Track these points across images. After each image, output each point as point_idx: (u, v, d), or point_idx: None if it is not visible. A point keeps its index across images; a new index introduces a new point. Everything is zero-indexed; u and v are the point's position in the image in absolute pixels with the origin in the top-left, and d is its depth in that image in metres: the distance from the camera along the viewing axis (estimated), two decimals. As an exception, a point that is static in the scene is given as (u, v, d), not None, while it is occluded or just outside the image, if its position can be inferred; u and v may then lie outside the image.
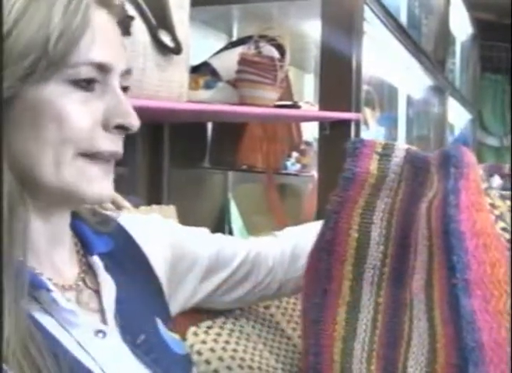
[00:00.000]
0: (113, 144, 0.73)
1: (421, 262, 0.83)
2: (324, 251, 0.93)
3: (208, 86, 1.60)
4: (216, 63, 1.67)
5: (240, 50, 1.65)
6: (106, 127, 0.72)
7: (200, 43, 1.77)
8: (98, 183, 0.72)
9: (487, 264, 0.76)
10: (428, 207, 0.82)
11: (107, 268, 0.80)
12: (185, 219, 1.04)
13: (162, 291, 0.90)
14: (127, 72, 0.76)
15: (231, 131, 2.14)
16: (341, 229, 0.91)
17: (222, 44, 2.02)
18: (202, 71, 1.64)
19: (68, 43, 0.67)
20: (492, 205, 0.84)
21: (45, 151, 0.69)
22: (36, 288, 0.70)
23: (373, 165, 0.89)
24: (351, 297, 0.93)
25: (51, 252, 0.76)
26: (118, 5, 0.75)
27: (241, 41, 1.74)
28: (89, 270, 0.80)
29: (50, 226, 0.75)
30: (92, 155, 0.71)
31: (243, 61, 1.60)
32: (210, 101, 1.56)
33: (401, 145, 0.90)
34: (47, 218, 0.74)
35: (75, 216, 0.81)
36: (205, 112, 1.55)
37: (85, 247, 0.81)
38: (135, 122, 0.73)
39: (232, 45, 1.79)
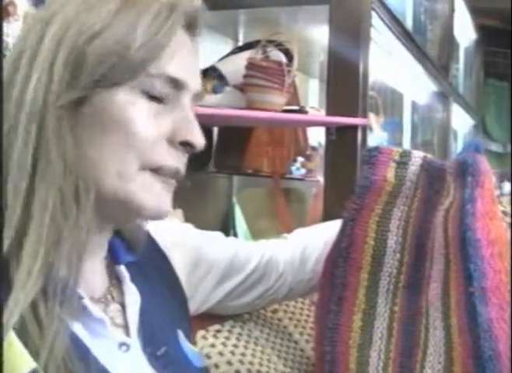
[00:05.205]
0: (177, 161, 0.72)
1: (437, 270, 0.83)
2: (341, 258, 0.93)
3: (215, 91, 1.60)
4: (224, 67, 1.67)
5: (247, 54, 1.66)
6: (171, 142, 0.71)
7: (206, 48, 1.77)
8: (159, 198, 0.71)
9: (502, 272, 0.76)
10: (444, 215, 0.82)
11: (133, 278, 0.80)
12: (190, 223, 1.04)
13: (186, 302, 0.91)
14: (198, 96, 0.76)
15: (237, 135, 2.14)
16: (358, 237, 0.92)
17: (228, 49, 2.03)
18: (210, 76, 1.64)
19: (148, 53, 0.68)
20: (504, 213, 0.84)
21: (110, 159, 0.68)
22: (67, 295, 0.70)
23: (390, 173, 0.89)
24: (366, 304, 0.93)
25: (85, 263, 0.74)
26: (200, 33, 0.78)
27: (248, 46, 1.74)
28: (117, 282, 0.79)
29: (93, 239, 0.73)
30: (156, 170, 0.70)
31: (250, 65, 1.61)
32: (217, 105, 1.56)
33: (418, 153, 0.91)
34: (94, 232, 0.73)
35: None
36: (212, 116, 1.55)
37: (113, 257, 0.81)
38: (200, 140, 0.73)
39: (239, 49, 1.80)
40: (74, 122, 0.67)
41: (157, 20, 0.69)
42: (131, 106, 0.69)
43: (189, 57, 0.75)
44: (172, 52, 0.71)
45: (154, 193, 0.71)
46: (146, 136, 0.69)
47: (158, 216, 0.73)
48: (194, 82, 0.75)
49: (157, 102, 0.71)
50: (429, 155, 0.91)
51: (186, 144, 0.72)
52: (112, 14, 0.68)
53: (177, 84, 0.72)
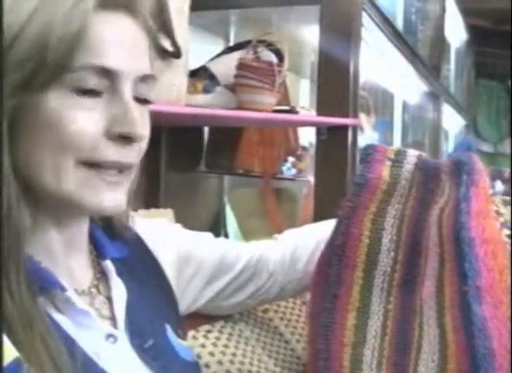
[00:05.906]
0: (118, 154, 0.70)
1: (431, 268, 0.83)
2: (335, 256, 0.93)
3: (206, 90, 1.60)
4: (215, 67, 1.67)
5: (238, 54, 1.65)
6: (109, 135, 0.69)
7: (197, 48, 1.77)
8: (100, 194, 0.70)
9: (496, 271, 0.77)
10: (439, 214, 0.82)
11: (119, 273, 0.81)
12: (181, 222, 1.05)
13: (174, 298, 0.91)
14: (143, 79, 0.72)
15: (228, 135, 2.14)
16: (353, 235, 0.92)
17: (219, 49, 2.02)
18: (201, 76, 1.64)
19: (66, 49, 0.65)
20: (497, 212, 0.85)
21: (45, 158, 0.68)
22: (51, 288, 0.70)
23: (386, 172, 0.90)
24: (360, 302, 0.93)
25: (68, 258, 0.76)
26: (142, 12, 0.73)
27: (239, 46, 1.74)
28: (102, 276, 0.80)
29: (66, 234, 0.75)
30: (95, 165, 0.69)
31: (241, 65, 1.60)
32: (208, 105, 1.56)
33: (413, 152, 0.91)
34: (63, 226, 0.74)
35: (92, 221, 0.81)
36: (203, 116, 1.55)
37: (98, 252, 0.81)
38: (139, 131, 0.69)
39: (230, 50, 1.79)
40: (12, 129, 0.66)
41: (71, 12, 0.66)
42: (62, 105, 0.67)
43: (120, 39, 0.69)
44: (94, 40, 0.67)
45: (94, 189, 0.69)
46: (80, 132, 0.67)
47: (100, 211, 0.72)
48: (132, 67, 0.70)
49: (90, 96, 0.68)
50: (424, 154, 0.91)
51: (124, 137, 0.69)
52: (28, 15, 0.65)
53: (108, 73, 0.68)
